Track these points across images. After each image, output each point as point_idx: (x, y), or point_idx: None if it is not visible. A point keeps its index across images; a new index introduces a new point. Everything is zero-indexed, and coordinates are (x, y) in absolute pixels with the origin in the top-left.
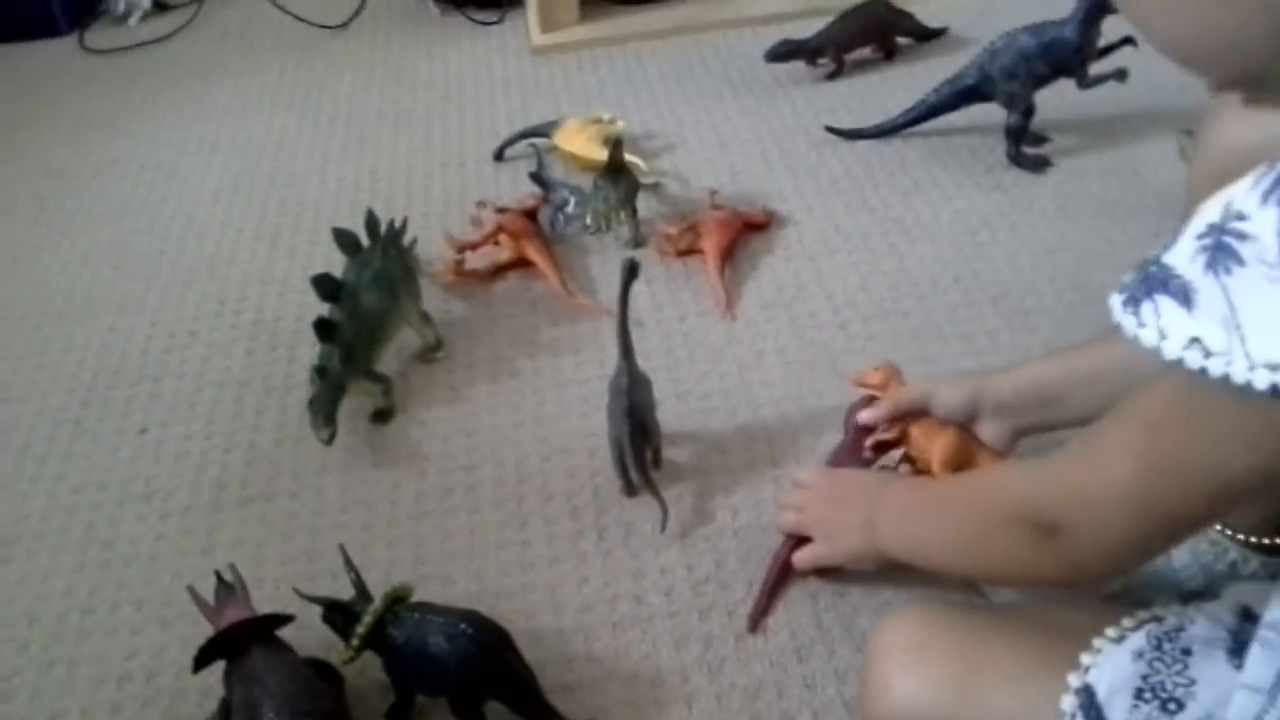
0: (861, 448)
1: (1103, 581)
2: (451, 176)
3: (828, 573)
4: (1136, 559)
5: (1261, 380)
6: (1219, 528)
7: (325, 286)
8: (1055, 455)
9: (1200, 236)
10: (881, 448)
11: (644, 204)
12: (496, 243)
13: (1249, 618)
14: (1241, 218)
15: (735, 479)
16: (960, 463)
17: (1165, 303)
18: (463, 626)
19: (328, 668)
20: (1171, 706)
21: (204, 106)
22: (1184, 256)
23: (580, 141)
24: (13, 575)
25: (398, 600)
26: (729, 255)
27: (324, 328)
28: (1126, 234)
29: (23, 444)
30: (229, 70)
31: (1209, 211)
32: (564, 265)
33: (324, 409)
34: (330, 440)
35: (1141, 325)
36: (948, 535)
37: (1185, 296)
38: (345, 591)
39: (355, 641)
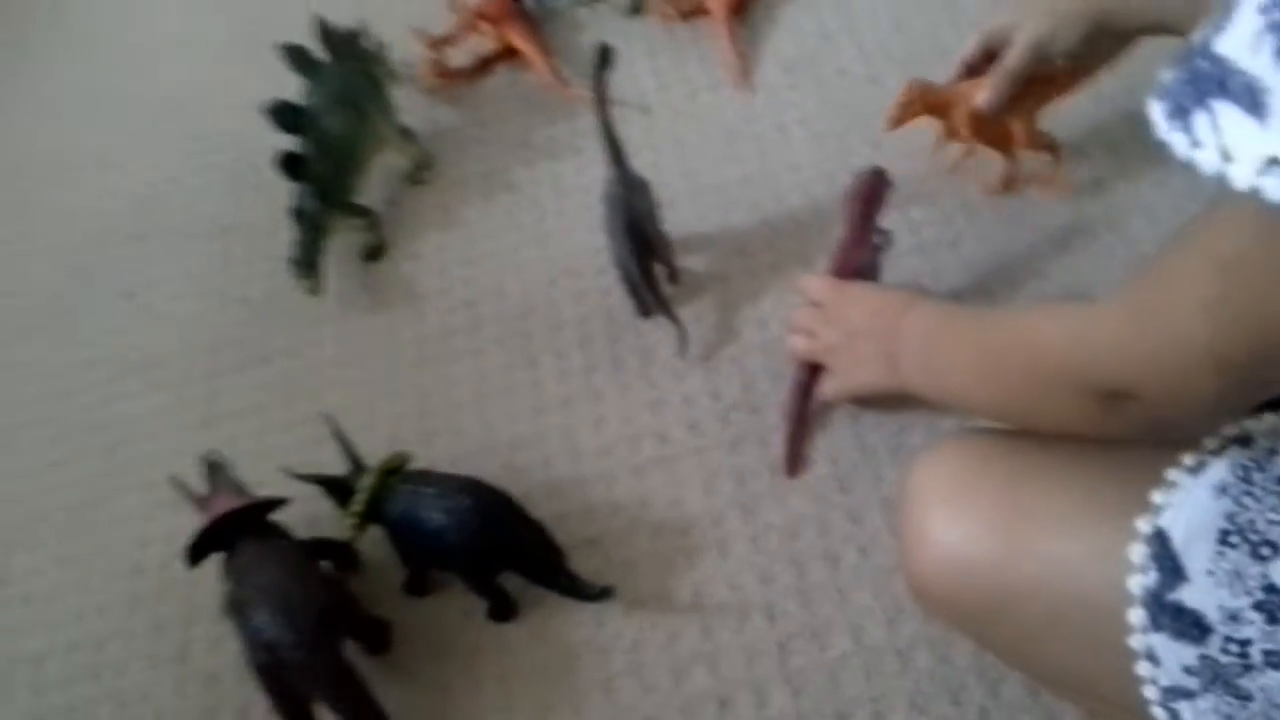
0: (866, 236)
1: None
2: None
3: (864, 400)
4: (1226, 413)
5: None
6: None
7: (283, 115)
8: (1107, 305)
9: (1265, 9)
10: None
11: None
12: (478, 32)
13: None
14: None
15: (761, 284)
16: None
17: (1226, 111)
18: (461, 497)
19: (336, 546)
20: (1265, 551)
21: None
22: (1244, 42)
23: None
24: (19, 468)
25: (392, 472)
26: (741, 10)
27: (290, 163)
28: None
29: (9, 323)
30: None
31: None
32: (555, 49)
33: (306, 256)
34: (316, 290)
35: (1197, 144)
36: (987, 391)
37: (1253, 100)
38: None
39: (351, 520)
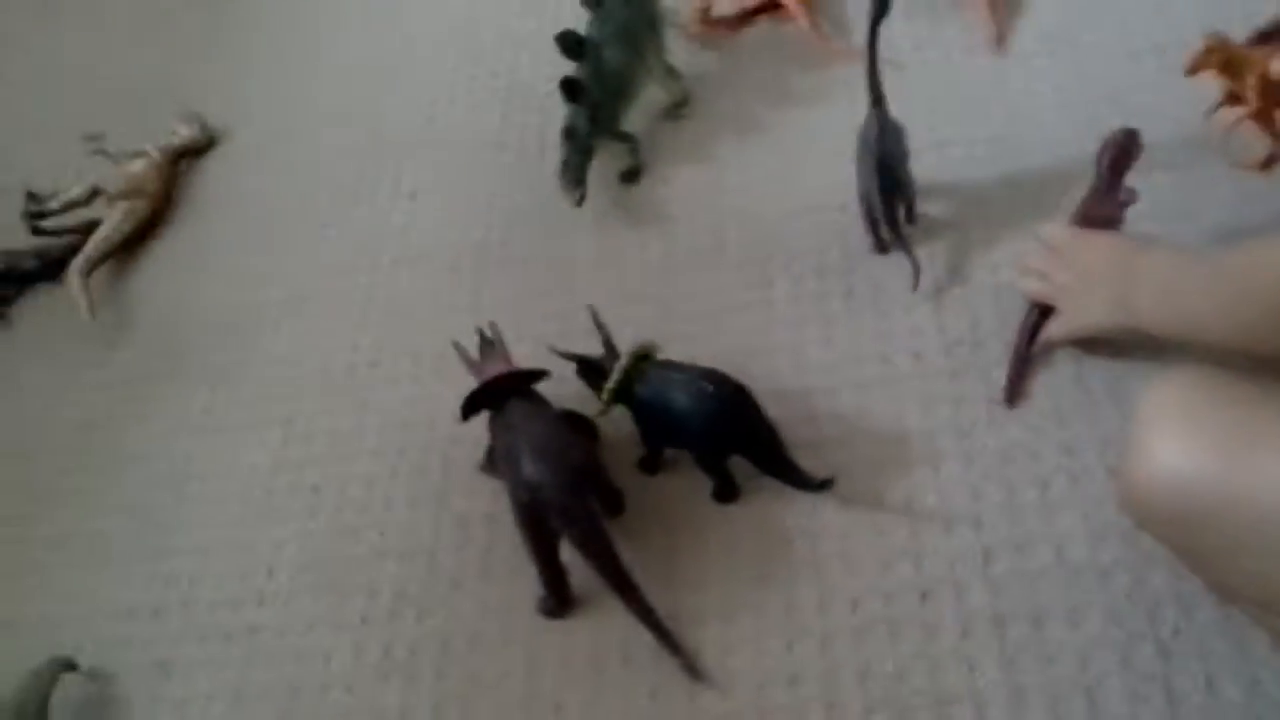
0: (1114, 191)
1: None
2: None
3: (1087, 344)
4: None
5: None
6: None
7: (569, 44)
8: None
9: None
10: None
11: None
12: None
13: None
14: None
15: (996, 234)
16: None
17: None
18: (705, 384)
19: (582, 420)
20: None
21: None
22: None
23: None
24: (304, 329)
25: (643, 358)
26: None
27: (570, 88)
28: None
29: (308, 210)
30: None
31: None
32: (818, 4)
33: (574, 172)
34: (580, 202)
35: None
36: (1232, 319)
37: None
38: (598, 349)
39: (605, 397)
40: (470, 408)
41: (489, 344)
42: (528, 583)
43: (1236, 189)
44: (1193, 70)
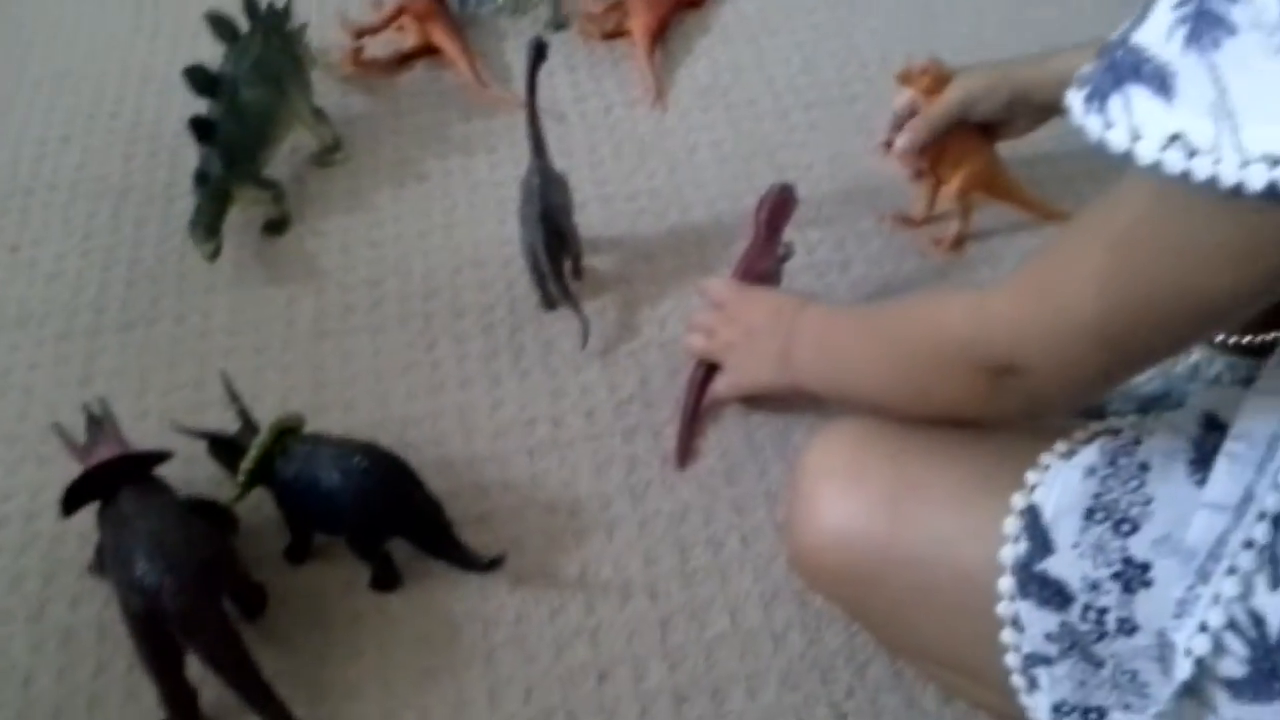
0: (771, 246)
1: (1066, 411)
2: None
3: (753, 399)
4: (1106, 389)
5: (1257, 178)
6: None
7: (199, 79)
8: (1003, 286)
9: (1178, 5)
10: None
11: None
12: (399, 27)
13: (1215, 426)
14: None
15: (663, 288)
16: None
17: (1138, 93)
18: (357, 459)
19: (214, 507)
20: (1125, 527)
21: None
22: (1158, 33)
23: None
24: None
25: (287, 432)
26: (660, 37)
27: (201, 127)
28: None
29: None
30: None
31: None
32: (476, 51)
33: (206, 220)
34: (214, 255)
35: (1109, 125)
36: (882, 374)
37: (1162, 83)
38: (235, 424)
39: (240, 478)
40: (73, 499)
41: (96, 423)
42: (150, 710)
43: (886, 243)
44: (905, 78)
